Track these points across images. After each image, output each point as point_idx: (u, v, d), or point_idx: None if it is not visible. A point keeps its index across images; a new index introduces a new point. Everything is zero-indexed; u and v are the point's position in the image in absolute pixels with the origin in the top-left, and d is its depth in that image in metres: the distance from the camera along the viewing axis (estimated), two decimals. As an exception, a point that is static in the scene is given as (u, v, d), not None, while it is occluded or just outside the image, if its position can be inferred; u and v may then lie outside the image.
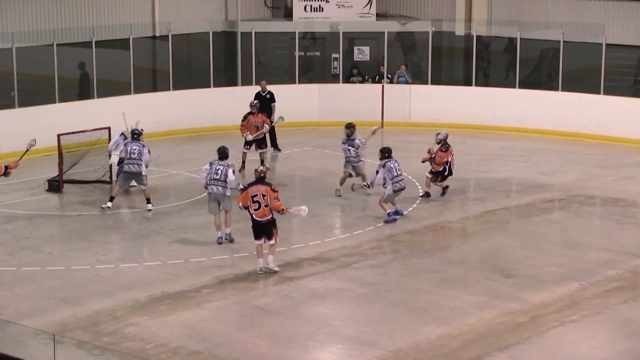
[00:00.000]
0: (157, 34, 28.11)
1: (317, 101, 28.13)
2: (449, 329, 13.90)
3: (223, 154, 17.82)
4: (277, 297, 15.20)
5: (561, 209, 20.48)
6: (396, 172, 19.07)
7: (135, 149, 19.44)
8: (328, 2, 29.56)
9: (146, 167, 19.58)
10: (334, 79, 29.15)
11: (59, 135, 20.99)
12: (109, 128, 21.37)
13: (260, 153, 22.36)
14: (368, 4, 29.67)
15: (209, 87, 27.66)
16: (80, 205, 19.91)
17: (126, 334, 13.59)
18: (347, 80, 28.87)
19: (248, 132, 22.18)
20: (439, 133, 20.84)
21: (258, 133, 22.15)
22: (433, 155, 20.59)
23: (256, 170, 16.59)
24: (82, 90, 26.39)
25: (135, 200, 20.35)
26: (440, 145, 20.61)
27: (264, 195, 16.04)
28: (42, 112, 24.34)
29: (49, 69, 24.79)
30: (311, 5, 29.60)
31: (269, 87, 24.76)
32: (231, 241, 17.62)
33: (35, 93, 25.38)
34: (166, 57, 27.22)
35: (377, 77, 28.54)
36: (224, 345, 13.42)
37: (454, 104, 27.50)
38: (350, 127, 20.99)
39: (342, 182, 20.72)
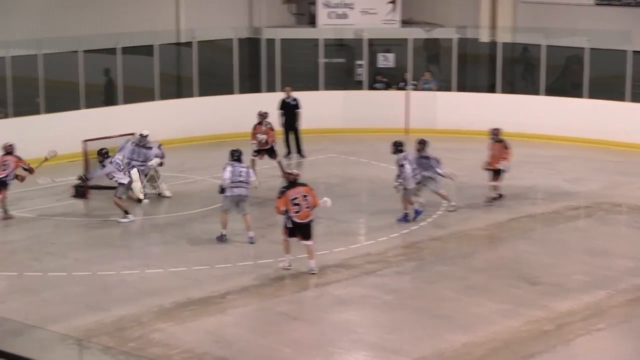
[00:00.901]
0: (182, 41, 28.21)
1: (342, 108, 28.11)
2: (473, 336, 13.85)
3: (239, 157, 18.12)
4: (302, 303, 15.20)
5: (587, 217, 20.41)
6: (415, 164, 19.17)
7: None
8: (352, 8, 29.57)
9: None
10: (358, 85, 29.13)
11: (84, 141, 21.07)
12: (134, 134, 21.45)
13: (278, 162, 22.37)
14: (392, 10, 29.66)
15: (233, 93, 27.72)
16: (106, 211, 19.94)
17: (151, 340, 13.62)
18: (371, 86, 28.87)
19: (255, 140, 22.28)
20: (497, 129, 20.62)
21: (256, 142, 22.16)
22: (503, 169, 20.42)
23: (290, 173, 16.85)
24: (107, 96, 26.49)
25: (160, 207, 20.42)
26: (501, 142, 20.44)
27: (304, 197, 16.17)
28: (67, 118, 24.45)
29: (75, 75, 24.92)
30: (335, 12, 29.61)
31: (293, 94, 24.83)
32: (252, 243, 17.79)
33: (61, 99, 25.54)
34: (190, 64, 27.31)
35: (401, 84, 28.51)
36: (248, 351, 13.43)
37: (478, 111, 27.39)
38: (422, 142, 20.03)
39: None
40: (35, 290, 15.59)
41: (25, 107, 24.62)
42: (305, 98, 25.37)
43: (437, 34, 29.61)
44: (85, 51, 25.22)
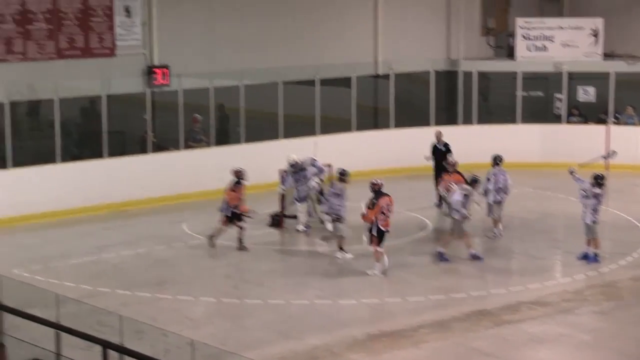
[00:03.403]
0: (379, 73, 28.44)
1: (539, 142, 27.67)
2: (675, 382, 13.34)
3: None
4: (495, 339, 14.97)
5: None
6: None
7: None
8: (553, 41, 29.10)
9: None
10: (556, 119, 28.63)
11: (280, 171, 21.49)
12: (329, 165, 21.67)
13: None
14: (594, 43, 29.04)
15: (429, 125, 27.72)
16: (301, 240, 20.23)
17: (343, 370, 13.69)
18: (567, 120, 28.33)
19: (445, 189, 20.59)
20: None
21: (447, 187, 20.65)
22: None
23: (375, 183, 17.89)
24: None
25: (353, 237, 20.56)
26: None
27: (388, 206, 17.72)
28: (266, 148, 24.99)
29: (274, 106, 25.46)
30: (535, 45, 29.23)
31: (489, 128, 24.54)
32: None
33: (260, 129, 26.13)
34: (387, 95, 27.49)
35: (601, 119, 27.83)
36: (440, 386, 13.33)
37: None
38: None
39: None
40: (232, 316, 15.94)
41: (227, 136, 25.32)
42: (501, 132, 25.13)
43: (640, 67, 28.82)
44: (285, 82, 25.75)
